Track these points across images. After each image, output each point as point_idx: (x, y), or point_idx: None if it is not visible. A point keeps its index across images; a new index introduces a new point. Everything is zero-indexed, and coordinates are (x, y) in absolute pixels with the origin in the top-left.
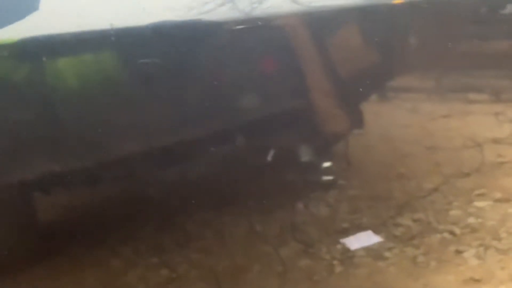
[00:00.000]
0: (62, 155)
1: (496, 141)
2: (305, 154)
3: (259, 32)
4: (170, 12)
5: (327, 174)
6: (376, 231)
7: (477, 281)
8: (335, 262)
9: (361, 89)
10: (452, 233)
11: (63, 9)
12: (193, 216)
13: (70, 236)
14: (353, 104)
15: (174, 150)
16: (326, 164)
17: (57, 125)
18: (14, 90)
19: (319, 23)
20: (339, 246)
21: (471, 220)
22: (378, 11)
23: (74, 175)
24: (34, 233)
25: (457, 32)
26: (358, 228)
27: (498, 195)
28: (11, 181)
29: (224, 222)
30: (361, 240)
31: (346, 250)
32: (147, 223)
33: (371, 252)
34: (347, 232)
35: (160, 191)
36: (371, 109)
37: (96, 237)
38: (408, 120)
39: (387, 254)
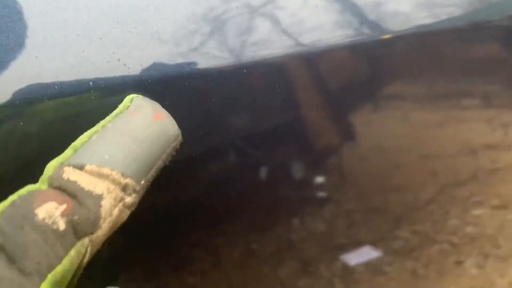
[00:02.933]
0: None
1: (490, 146)
2: (297, 170)
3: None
4: (157, 45)
5: (322, 189)
6: (375, 246)
7: None
8: (335, 279)
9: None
10: (451, 243)
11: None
12: (187, 238)
13: None
14: (342, 115)
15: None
16: (321, 178)
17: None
18: None
19: (313, 59)
20: (338, 263)
21: (470, 229)
22: (369, 46)
23: None
24: None
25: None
26: (356, 243)
27: (494, 202)
28: None
29: (220, 242)
30: (360, 256)
31: (345, 266)
32: (139, 247)
33: (371, 267)
34: (345, 248)
35: (152, 213)
36: (362, 119)
37: (88, 262)
38: (400, 129)
39: (386, 268)
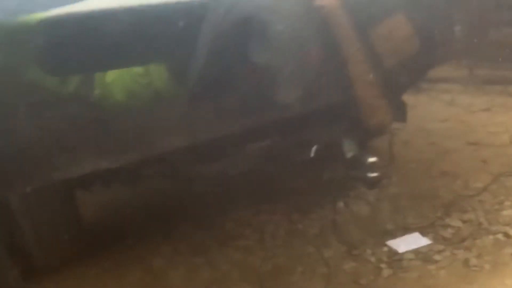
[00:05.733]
0: (105, 153)
1: None
2: (352, 148)
3: None
4: None
5: (372, 171)
6: (424, 233)
7: None
8: (382, 265)
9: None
10: (506, 234)
11: None
12: (232, 214)
13: (112, 235)
14: (395, 95)
15: (214, 147)
16: (371, 159)
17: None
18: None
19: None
20: (385, 249)
21: None
22: None
23: (115, 173)
24: (78, 232)
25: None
26: (403, 229)
27: None
28: (57, 180)
29: (264, 220)
30: (408, 243)
31: (393, 252)
32: (186, 222)
33: (420, 255)
34: (392, 234)
35: (198, 188)
36: (406, 101)
37: (137, 235)
38: (445, 113)
39: (437, 257)
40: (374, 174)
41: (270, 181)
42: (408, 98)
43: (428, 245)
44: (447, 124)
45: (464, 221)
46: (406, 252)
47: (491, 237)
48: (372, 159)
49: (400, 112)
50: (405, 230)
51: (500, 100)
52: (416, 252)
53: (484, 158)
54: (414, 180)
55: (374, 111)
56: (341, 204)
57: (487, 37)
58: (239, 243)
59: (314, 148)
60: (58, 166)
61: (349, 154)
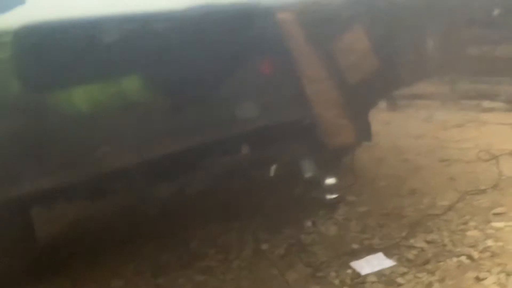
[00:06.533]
0: (59, 170)
1: None
2: (311, 169)
3: None
4: None
5: (334, 190)
6: (388, 254)
7: None
8: None
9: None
10: (470, 257)
11: (50, 2)
12: (197, 233)
13: (70, 253)
14: (360, 114)
15: (176, 163)
16: (332, 179)
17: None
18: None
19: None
20: (349, 270)
21: (490, 242)
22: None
23: (74, 190)
24: (33, 250)
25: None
26: (368, 249)
27: None
28: (9, 196)
29: (229, 240)
30: (372, 264)
31: (356, 274)
32: (150, 240)
33: (383, 277)
34: (357, 254)
35: (161, 205)
36: (381, 118)
37: (97, 254)
38: (419, 130)
39: (399, 280)
40: (333, 196)
41: (240, 198)
42: (382, 115)
43: (391, 267)
44: (421, 141)
45: (428, 242)
46: (369, 274)
47: (454, 259)
48: (330, 181)
49: (364, 131)
50: (370, 250)
51: (473, 115)
52: (379, 274)
53: (452, 175)
54: (383, 198)
55: (335, 130)
56: (309, 223)
57: (462, 53)
58: (202, 264)
59: (273, 167)
60: (6, 182)
61: (308, 174)
